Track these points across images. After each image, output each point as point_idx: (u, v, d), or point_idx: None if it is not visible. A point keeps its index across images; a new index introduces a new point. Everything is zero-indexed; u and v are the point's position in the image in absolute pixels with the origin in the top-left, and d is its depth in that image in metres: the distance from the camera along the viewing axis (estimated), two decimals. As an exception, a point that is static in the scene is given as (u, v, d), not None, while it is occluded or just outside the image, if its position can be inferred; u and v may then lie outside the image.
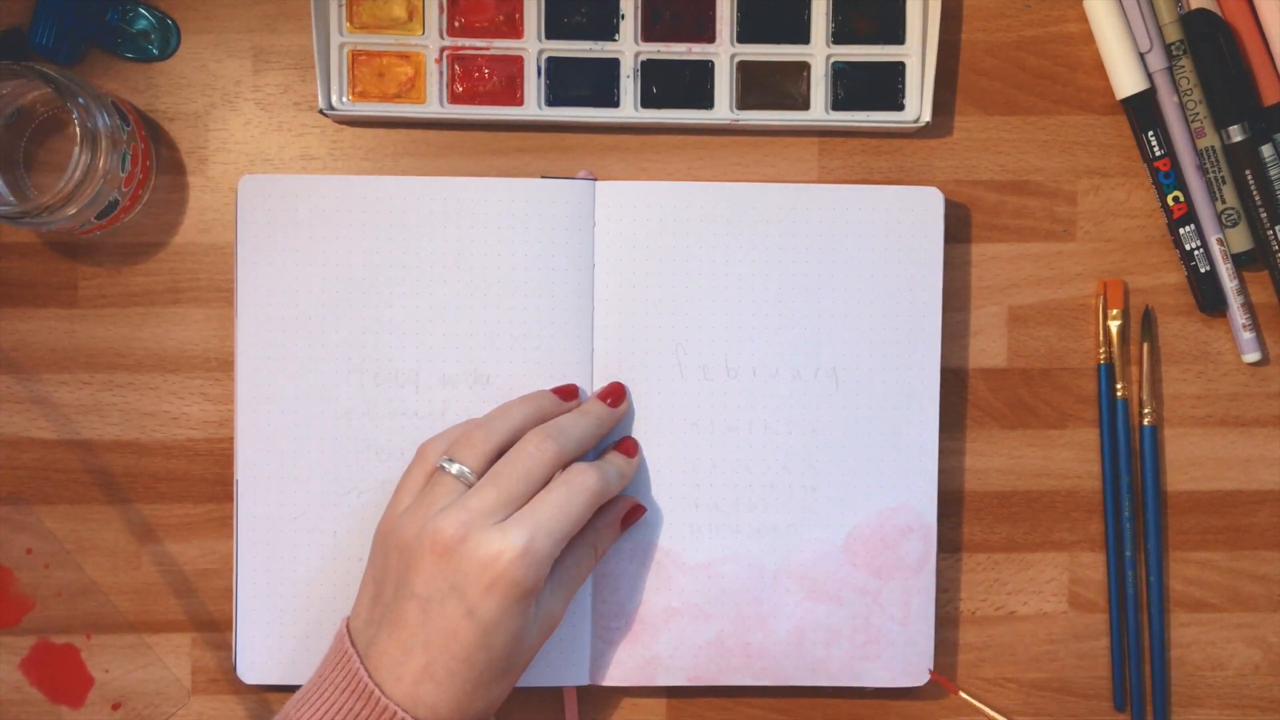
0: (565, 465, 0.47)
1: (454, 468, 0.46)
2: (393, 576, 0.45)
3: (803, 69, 0.54)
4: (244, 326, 0.51)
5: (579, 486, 0.45)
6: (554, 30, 0.53)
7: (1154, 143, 0.53)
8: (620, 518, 0.51)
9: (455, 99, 0.53)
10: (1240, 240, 0.53)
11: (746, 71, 0.54)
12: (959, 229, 0.54)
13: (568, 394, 0.50)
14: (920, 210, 0.52)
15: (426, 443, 0.48)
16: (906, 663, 0.52)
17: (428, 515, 0.44)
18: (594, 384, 0.52)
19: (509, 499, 0.44)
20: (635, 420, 0.52)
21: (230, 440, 0.53)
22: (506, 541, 0.43)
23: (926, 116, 0.52)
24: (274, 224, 0.51)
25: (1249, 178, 0.53)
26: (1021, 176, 0.54)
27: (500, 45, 0.53)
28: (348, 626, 0.46)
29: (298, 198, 0.51)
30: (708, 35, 0.53)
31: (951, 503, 0.54)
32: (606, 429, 0.50)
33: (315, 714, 0.43)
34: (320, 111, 0.52)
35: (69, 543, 0.53)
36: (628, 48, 0.53)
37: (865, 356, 0.52)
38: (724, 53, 0.53)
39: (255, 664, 0.52)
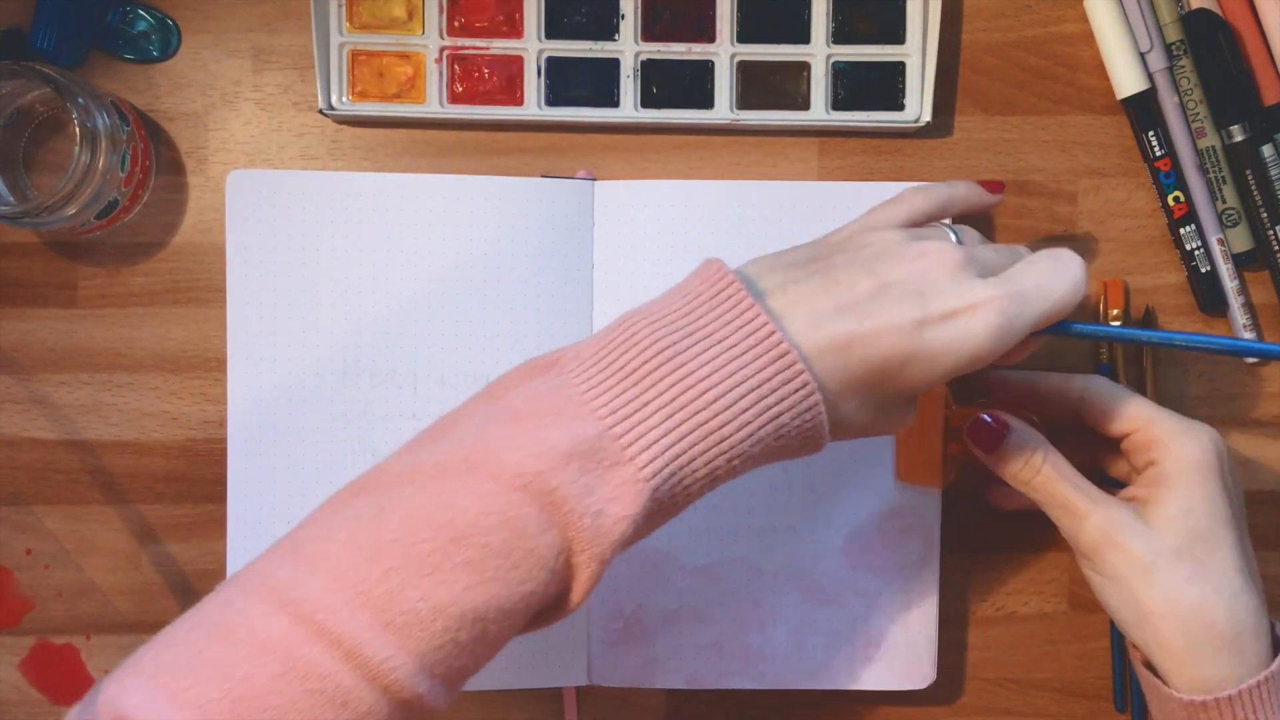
0: None
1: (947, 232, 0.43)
2: (844, 255, 0.40)
3: (803, 69, 0.54)
4: (235, 325, 0.51)
5: (1068, 265, 0.40)
6: (554, 30, 0.53)
7: (1154, 143, 0.53)
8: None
9: (455, 99, 0.53)
10: (1241, 240, 0.53)
11: (746, 71, 0.54)
12: (959, 229, 0.54)
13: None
14: None
15: (918, 195, 0.45)
16: (909, 666, 0.52)
17: (922, 236, 0.41)
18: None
19: (998, 267, 0.41)
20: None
21: (230, 440, 0.53)
22: (989, 291, 0.38)
23: (927, 116, 0.52)
24: (264, 220, 0.51)
25: (1249, 178, 0.52)
26: (1021, 176, 0.54)
27: (500, 45, 0.53)
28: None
29: (289, 193, 0.51)
30: (708, 35, 0.53)
31: (952, 502, 0.54)
32: None
33: (672, 326, 0.37)
34: (320, 111, 0.52)
35: (69, 543, 0.53)
36: (628, 48, 0.53)
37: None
38: (724, 53, 0.53)
39: None
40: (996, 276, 0.40)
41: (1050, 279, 0.40)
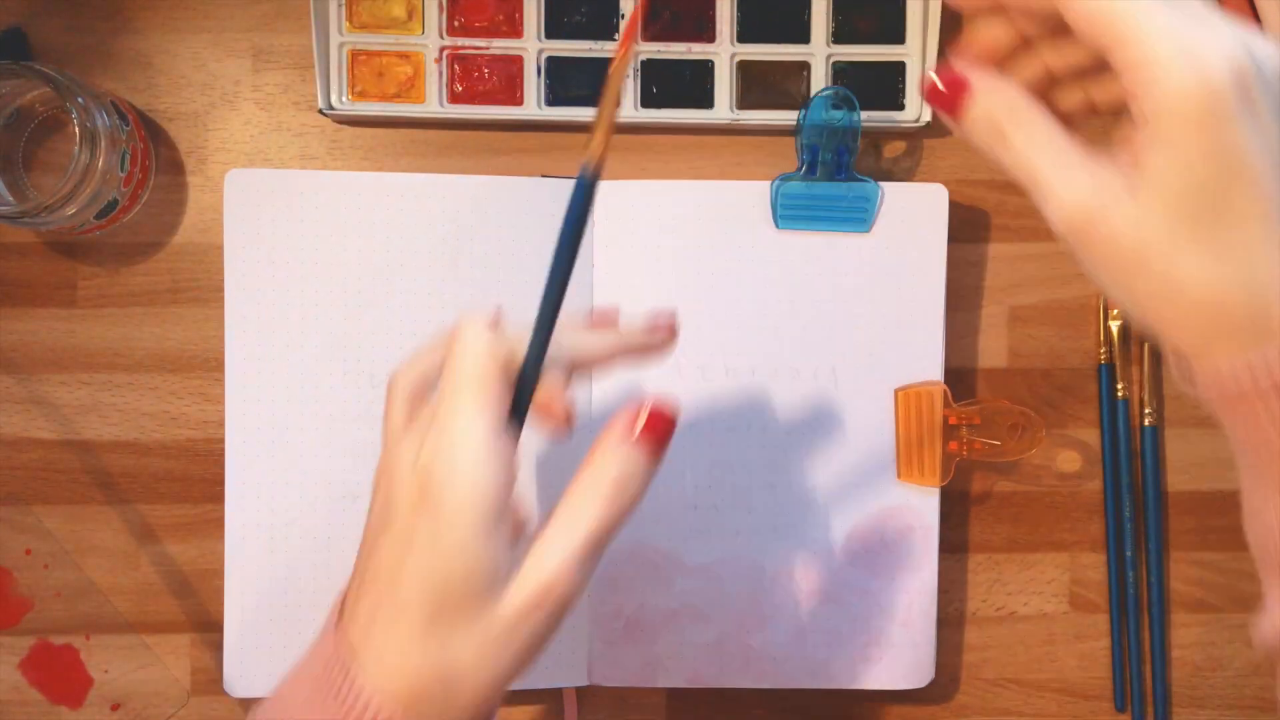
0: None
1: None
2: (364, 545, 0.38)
3: (803, 69, 0.53)
4: (233, 325, 0.51)
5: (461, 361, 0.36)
6: (554, 30, 0.53)
7: (1155, 142, 0.53)
8: (632, 426, 0.36)
9: (455, 99, 0.53)
10: (1241, 240, 0.53)
11: (746, 71, 0.53)
12: (959, 229, 0.54)
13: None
14: (924, 207, 0.52)
15: (398, 374, 0.39)
16: (909, 664, 0.52)
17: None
18: (592, 384, 0.52)
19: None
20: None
21: (230, 440, 0.53)
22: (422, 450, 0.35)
23: (927, 116, 0.52)
24: (263, 220, 0.51)
25: (1250, 177, 0.52)
26: (1022, 176, 0.54)
27: (500, 45, 0.53)
28: None
29: (288, 193, 0.51)
30: (708, 35, 0.53)
31: (952, 503, 0.54)
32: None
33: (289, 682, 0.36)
34: (320, 111, 0.52)
35: (69, 543, 0.53)
36: (627, 47, 0.53)
37: (866, 356, 0.52)
38: (724, 52, 0.53)
39: (244, 677, 0.51)
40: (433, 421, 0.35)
41: (451, 370, 0.35)
